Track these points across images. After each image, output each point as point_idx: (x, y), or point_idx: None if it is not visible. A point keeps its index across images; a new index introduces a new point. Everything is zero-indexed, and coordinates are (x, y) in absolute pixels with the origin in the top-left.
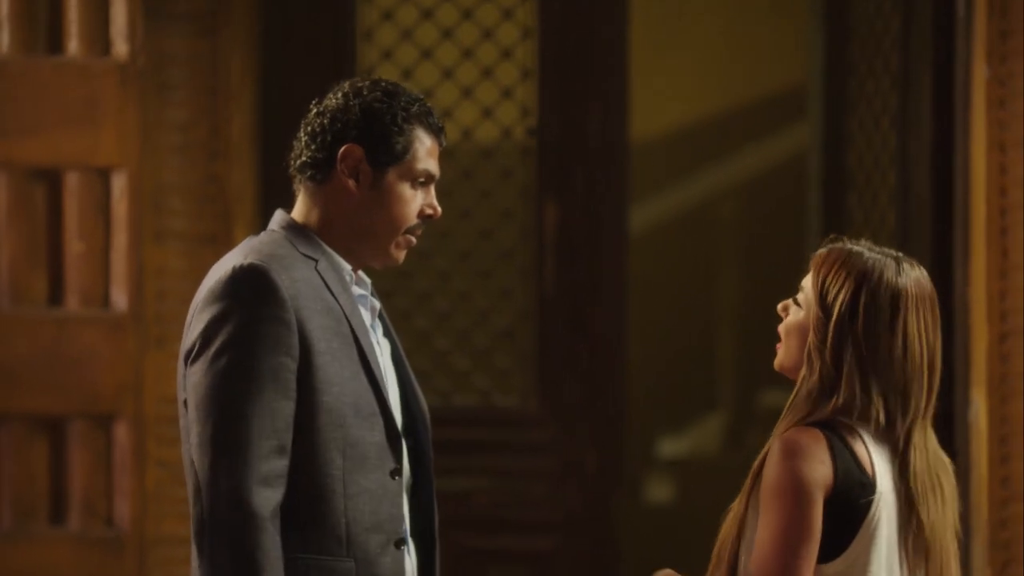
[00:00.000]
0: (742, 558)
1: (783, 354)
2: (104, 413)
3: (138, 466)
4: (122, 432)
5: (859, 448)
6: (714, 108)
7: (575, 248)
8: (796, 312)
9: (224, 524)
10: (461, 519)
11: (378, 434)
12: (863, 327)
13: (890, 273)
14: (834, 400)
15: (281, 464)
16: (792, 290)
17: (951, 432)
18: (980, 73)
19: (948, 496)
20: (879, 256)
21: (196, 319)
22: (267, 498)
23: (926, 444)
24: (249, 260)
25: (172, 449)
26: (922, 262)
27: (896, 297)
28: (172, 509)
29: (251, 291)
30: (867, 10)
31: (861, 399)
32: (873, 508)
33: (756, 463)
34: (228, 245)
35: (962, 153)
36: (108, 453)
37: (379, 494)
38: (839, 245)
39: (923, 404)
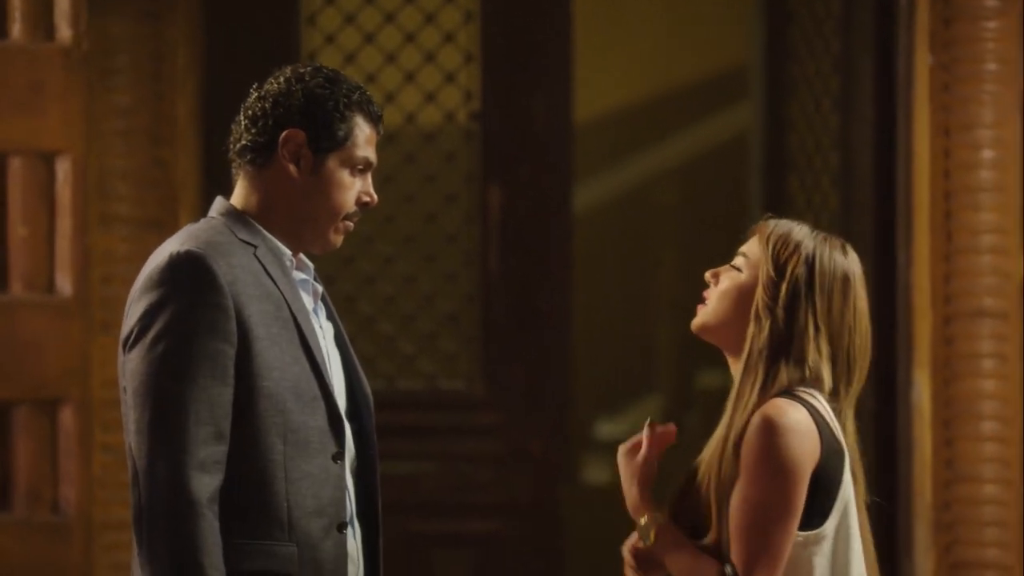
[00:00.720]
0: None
1: (710, 314)
2: (50, 398)
3: (84, 451)
4: (68, 417)
5: (827, 415)
6: (654, 90)
7: (520, 232)
8: (733, 276)
9: (162, 510)
10: (406, 503)
11: (320, 418)
12: (819, 288)
13: (838, 252)
14: (786, 361)
15: (219, 450)
16: None
17: (893, 413)
18: (923, 59)
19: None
20: (823, 235)
21: (134, 306)
22: (205, 484)
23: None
24: (186, 247)
25: (118, 434)
26: (864, 244)
27: (846, 272)
28: (118, 494)
29: (188, 278)
30: None
31: (813, 359)
32: (846, 472)
33: (727, 449)
34: (173, 230)
35: (904, 137)
36: (54, 438)
37: (321, 478)
38: (783, 221)
39: (860, 382)
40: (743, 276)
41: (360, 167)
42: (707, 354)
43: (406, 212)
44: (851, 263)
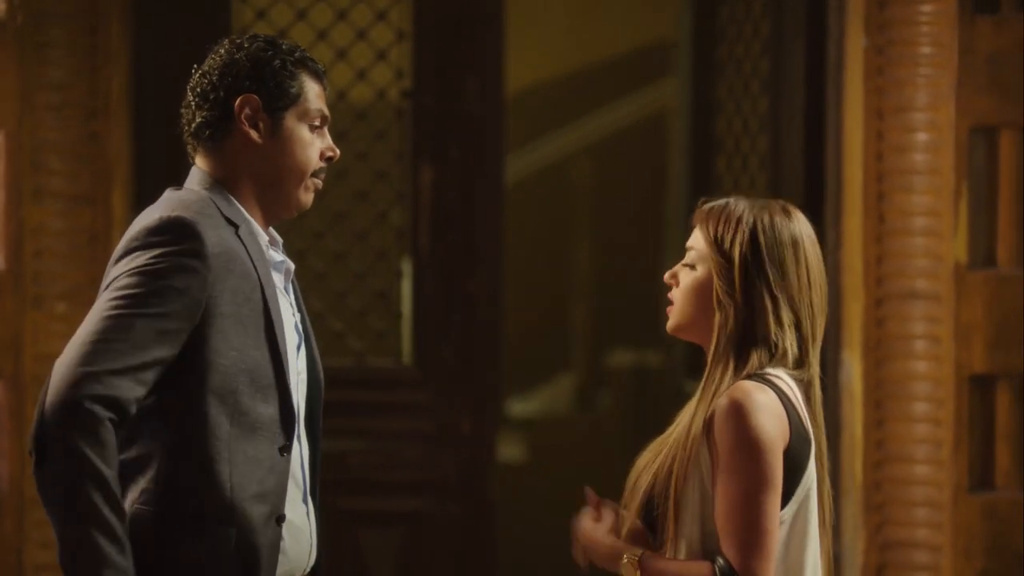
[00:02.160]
0: (686, 520)
1: (678, 315)
2: None
3: (16, 426)
4: (0, 392)
5: (795, 400)
6: (574, 67)
7: (450, 210)
8: (688, 273)
9: (68, 404)
10: (335, 481)
11: (271, 407)
12: (768, 258)
13: (779, 216)
14: (754, 343)
15: (129, 384)
16: (646, 252)
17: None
18: (857, 42)
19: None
20: (761, 203)
21: (116, 266)
22: (118, 387)
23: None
24: (177, 212)
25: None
26: None
27: (793, 234)
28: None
29: (177, 240)
30: None
31: (776, 332)
32: (811, 461)
33: (695, 425)
34: (107, 205)
35: (835, 119)
36: None
37: (266, 466)
38: (718, 200)
39: (821, 334)
40: (698, 272)
41: (316, 122)
42: (619, 333)
43: (337, 189)
44: (796, 223)
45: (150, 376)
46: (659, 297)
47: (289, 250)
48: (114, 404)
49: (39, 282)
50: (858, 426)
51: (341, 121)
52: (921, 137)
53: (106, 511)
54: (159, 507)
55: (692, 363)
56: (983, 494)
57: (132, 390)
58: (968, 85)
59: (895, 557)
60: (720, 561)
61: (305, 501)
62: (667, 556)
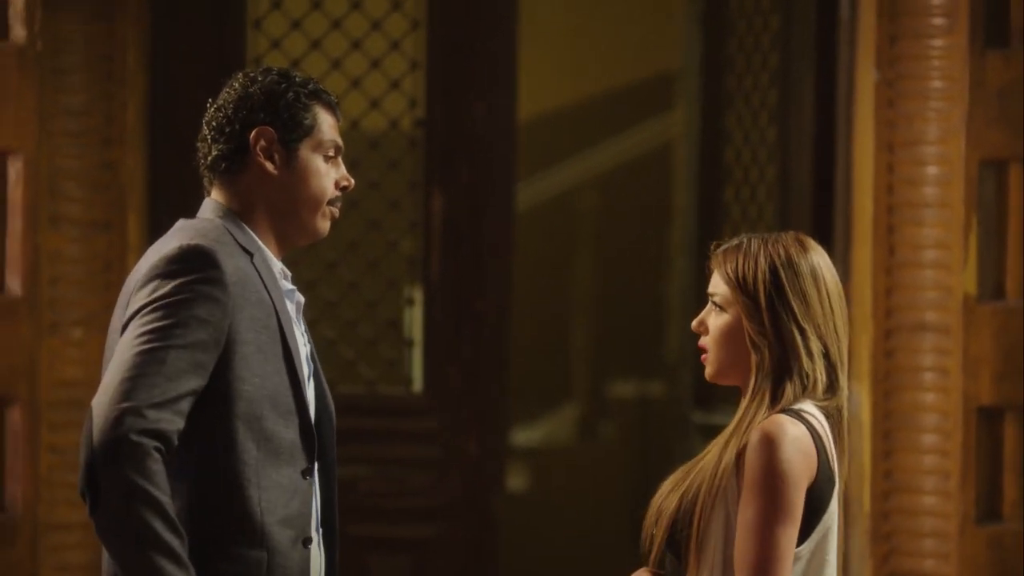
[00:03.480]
0: (709, 548)
1: (715, 362)
2: None
3: (31, 451)
4: (15, 417)
5: (825, 438)
6: (582, 97)
7: (461, 238)
8: (718, 316)
9: (115, 442)
10: (344, 507)
11: (292, 431)
12: (791, 291)
13: (795, 248)
14: (789, 375)
15: (169, 417)
16: (650, 283)
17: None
18: (868, 75)
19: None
20: (774, 237)
21: (137, 294)
22: (143, 425)
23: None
24: (196, 241)
25: (65, 434)
26: None
27: (811, 264)
28: (65, 495)
29: (199, 268)
30: (745, 7)
31: (807, 363)
32: (834, 500)
33: (727, 454)
34: (122, 231)
35: (844, 151)
36: (1, 438)
37: (291, 490)
38: (731, 241)
39: (846, 361)
40: (726, 316)
41: (331, 153)
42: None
43: (350, 218)
44: (812, 253)
45: (186, 407)
46: (663, 328)
47: (302, 280)
48: (159, 436)
49: (55, 308)
50: (866, 456)
51: (354, 150)
52: (931, 170)
53: (168, 536)
54: (192, 533)
55: (699, 394)
56: (990, 525)
57: (173, 422)
58: (978, 119)
59: None
60: None
61: (317, 531)
62: None
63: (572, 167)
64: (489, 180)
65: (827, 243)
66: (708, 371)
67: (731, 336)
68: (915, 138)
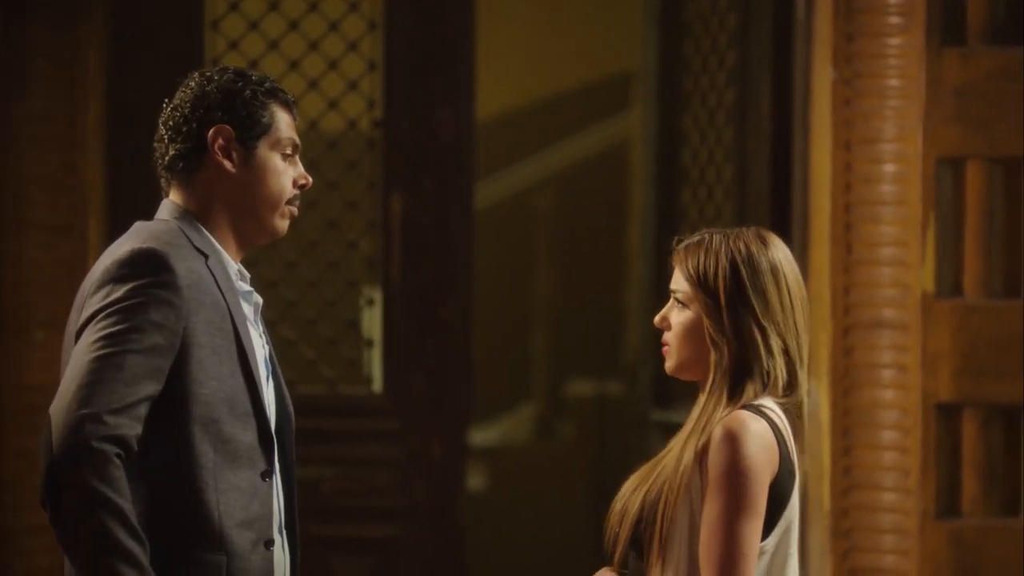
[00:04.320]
0: (674, 545)
1: (677, 357)
2: None
3: None
4: None
5: (785, 433)
6: (537, 97)
7: (421, 239)
8: (680, 313)
9: (75, 448)
10: (306, 508)
11: (250, 434)
12: (751, 289)
13: (756, 245)
14: (749, 373)
15: (128, 422)
16: (608, 282)
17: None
18: (824, 74)
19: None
20: (735, 233)
21: (91, 299)
22: (103, 431)
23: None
24: (148, 244)
25: (30, 439)
26: None
27: (771, 260)
28: (30, 499)
29: (150, 273)
30: (702, 7)
31: (767, 361)
32: (795, 494)
33: (687, 451)
34: (84, 234)
35: (801, 150)
36: None
37: (249, 492)
38: (692, 237)
39: (808, 350)
40: (688, 312)
41: (288, 151)
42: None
43: (308, 218)
44: (772, 249)
45: (143, 412)
46: (620, 327)
47: (261, 280)
48: (119, 442)
49: (18, 313)
50: (826, 454)
51: (312, 150)
52: (889, 168)
53: (130, 543)
54: (151, 538)
55: (658, 392)
56: (950, 521)
57: (132, 428)
58: (935, 117)
59: None
60: None
61: (280, 532)
62: None
63: (529, 167)
64: (449, 180)
65: (785, 242)
66: (668, 365)
67: (693, 332)
68: (872, 136)
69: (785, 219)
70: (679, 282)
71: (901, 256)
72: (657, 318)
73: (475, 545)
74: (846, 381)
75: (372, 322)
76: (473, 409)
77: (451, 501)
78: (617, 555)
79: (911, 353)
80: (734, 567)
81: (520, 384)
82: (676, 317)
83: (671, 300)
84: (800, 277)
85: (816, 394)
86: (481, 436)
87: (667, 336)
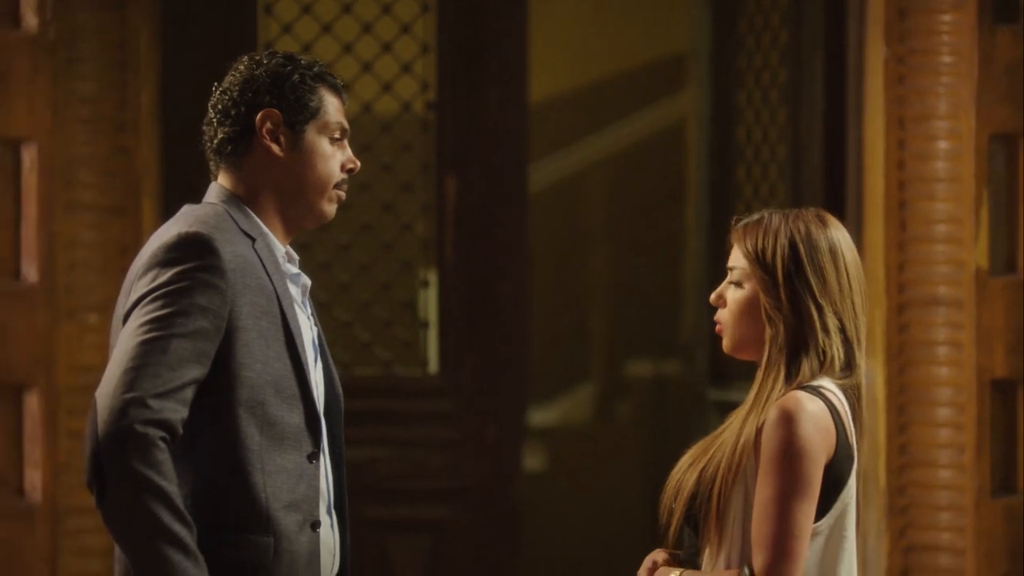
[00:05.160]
0: (729, 523)
1: (732, 335)
2: (15, 384)
3: (50, 436)
4: (33, 403)
5: (843, 414)
6: (593, 78)
7: (475, 221)
8: (735, 292)
9: (120, 432)
10: (361, 489)
11: (297, 416)
12: (809, 267)
13: (815, 225)
14: (805, 353)
15: (173, 406)
16: (665, 262)
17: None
18: (877, 51)
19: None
20: (795, 213)
21: (138, 283)
22: (163, 409)
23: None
24: (194, 228)
25: (83, 420)
26: None
27: (830, 240)
28: (83, 480)
29: (196, 257)
30: None
31: (823, 340)
32: (852, 476)
33: (746, 429)
34: (137, 217)
35: (855, 128)
36: (19, 424)
37: (296, 474)
38: (751, 216)
39: (866, 332)
40: (744, 290)
41: (336, 135)
42: (640, 343)
43: (362, 201)
44: (831, 229)
45: (189, 395)
46: (678, 307)
47: (315, 262)
48: (163, 425)
49: (72, 294)
50: (881, 431)
51: (366, 133)
52: (942, 145)
53: (176, 526)
54: (198, 520)
55: (715, 372)
56: (1005, 498)
57: (177, 411)
58: (988, 94)
59: (918, 561)
60: (746, 571)
61: (329, 513)
62: (704, 562)
63: (586, 147)
64: (502, 162)
65: (839, 220)
66: (725, 344)
67: (748, 310)
68: (925, 113)
69: (839, 197)
70: (737, 259)
71: (955, 233)
72: (713, 296)
73: (532, 525)
74: (901, 359)
75: (428, 304)
76: (528, 390)
77: (505, 482)
78: (671, 531)
79: (966, 330)
80: (786, 548)
81: (578, 364)
82: (732, 295)
83: (727, 279)
84: (858, 260)
85: (872, 372)
86: (540, 416)
87: (720, 314)
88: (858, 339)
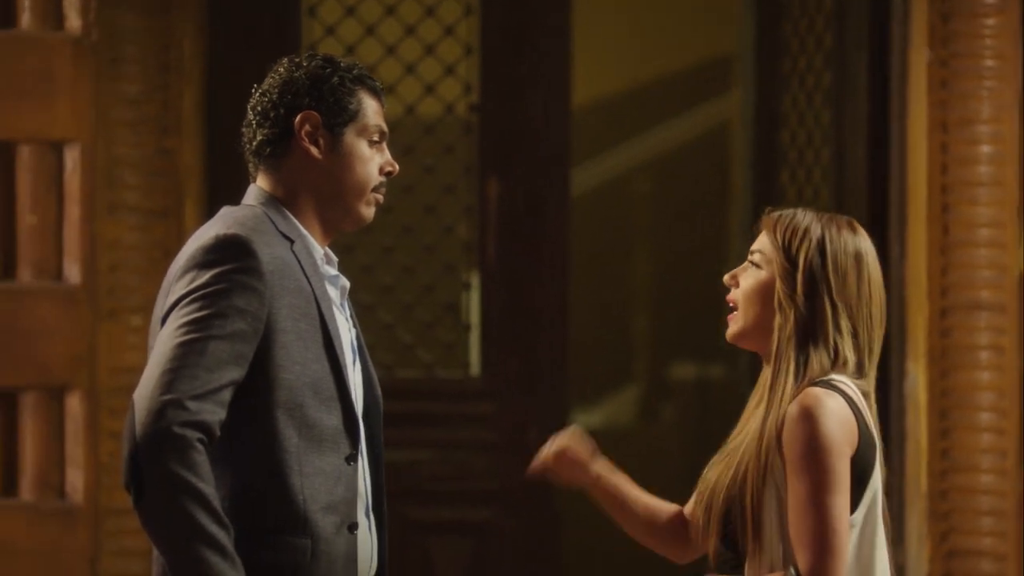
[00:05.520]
0: (765, 526)
1: (740, 318)
2: (57, 385)
3: (91, 437)
4: (75, 404)
5: (861, 406)
6: (637, 81)
7: (517, 223)
8: (754, 274)
9: (157, 434)
10: (404, 491)
11: (335, 418)
12: (832, 266)
13: (846, 230)
14: (814, 347)
15: (211, 408)
16: (708, 264)
17: (886, 403)
18: (920, 55)
19: None
20: (828, 215)
21: (176, 285)
22: (201, 411)
23: None
24: (233, 230)
25: (125, 421)
26: None
27: (858, 247)
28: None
29: (234, 259)
30: None
31: (835, 337)
32: (877, 464)
33: (767, 430)
34: (180, 218)
35: (898, 132)
36: (61, 424)
37: (334, 476)
38: (786, 210)
39: (879, 347)
40: (763, 273)
41: (375, 138)
42: (684, 345)
43: (405, 203)
44: (861, 239)
45: (227, 397)
46: (721, 309)
47: (358, 264)
48: (201, 427)
49: (114, 295)
50: (923, 436)
51: (409, 135)
52: (985, 149)
53: (213, 527)
54: (236, 522)
55: (756, 374)
56: None
57: (215, 413)
58: None
59: (960, 566)
60: (792, 571)
61: (367, 515)
62: (746, 570)
63: (630, 150)
64: (545, 165)
65: (883, 223)
66: (731, 329)
67: (761, 294)
68: (968, 117)
69: (883, 201)
70: (762, 242)
71: (998, 237)
72: (727, 276)
73: (576, 528)
74: (943, 363)
75: (470, 306)
76: (569, 393)
77: (546, 485)
78: (711, 550)
79: (1008, 334)
80: (828, 544)
81: (622, 367)
82: (747, 276)
83: (746, 262)
84: (881, 276)
85: (914, 376)
86: (583, 419)
87: (734, 294)
88: (870, 348)
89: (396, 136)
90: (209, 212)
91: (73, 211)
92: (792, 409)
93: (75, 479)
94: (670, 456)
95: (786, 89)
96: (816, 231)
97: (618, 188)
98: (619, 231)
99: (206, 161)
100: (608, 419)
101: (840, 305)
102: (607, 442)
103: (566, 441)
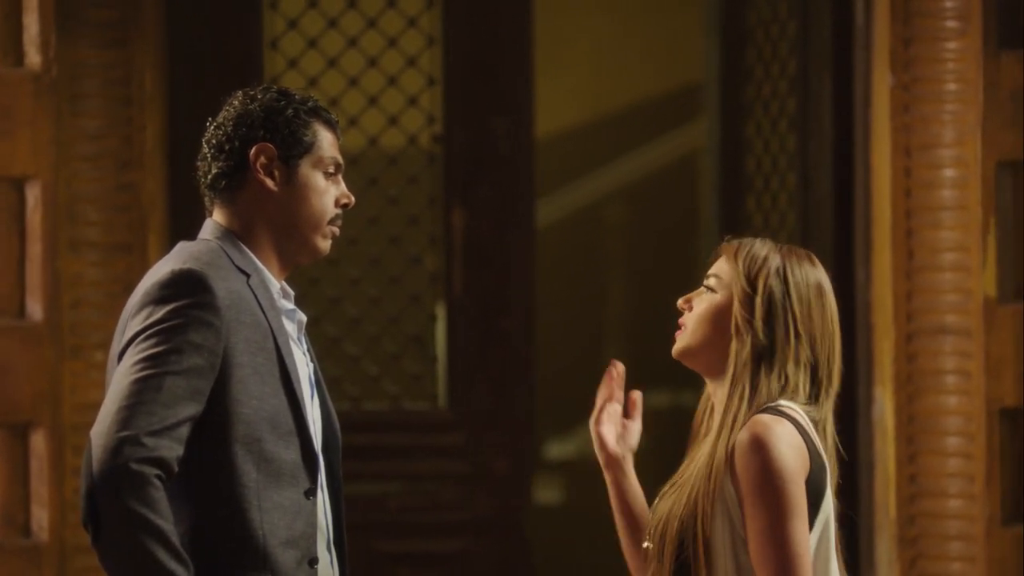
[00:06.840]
0: (716, 553)
1: (689, 338)
2: (21, 422)
3: (56, 475)
4: (39, 441)
5: (809, 430)
6: (606, 109)
7: (482, 253)
8: (708, 297)
9: (114, 471)
10: (372, 523)
11: (293, 452)
12: (796, 298)
13: (806, 263)
14: (767, 373)
15: (168, 444)
16: (681, 291)
17: (854, 429)
18: (883, 80)
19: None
20: (788, 247)
21: (132, 321)
22: (158, 447)
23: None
24: (188, 265)
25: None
26: (823, 263)
27: (818, 279)
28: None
29: (189, 294)
30: (763, 15)
31: (791, 369)
32: (828, 488)
33: (718, 453)
34: (143, 253)
35: (863, 156)
36: (25, 462)
37: (293, 511)
38: (746, 238)
39: (838, 382)
40: (718, 297)
41: (331, 170)
42: (657, 374)
43: (370, 234)
44: (819, 272)
45: (184, 433)
46: None
47: (324, 296)
48: (158, 463)
49: (76, 332)
50: (891, 461)
51: (373, 167)
52: (948, 173)
53: (172, 564)
54: (195, 558)
55: None
56: (1016, 527)
57: (172, 449)
58: (993, 120)
59: None
60: None
61: (329, 549)
62: None
63: (600, 179)
64: (509, 195)
65: (848, 248)
66: (678, 346)
67: (714, 317)
68: (931, 141)
69: (848, 225)
70: (720, 267)
71: (962, 261)
72: (681, 300)
73: (550, 558)
74: (910, 387)
75: (437, 337)
76: (541, 423)
77: (516, 515)
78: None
79: (974, 359)
80: (792, 571)
81: (595, 396)
82: (702, 299)
83: (700, 287)
84: (836, 314)
85: (881, 401)
86: (556, 449)
87: (686, 317)
88: (830, 380)
89: (359, 167)
90: (172, 247)
91: (35, 248)
92: (743, 436)
93: (40, 517)
94: (645, 483)
95: (751, 116)
96: (775, 260)
97: (589, 217)
98: (591, 260)
99: (169, 195)
100: (582, 449)
101: (804, 336)
102: (581, 473)
103: (604, 425)
